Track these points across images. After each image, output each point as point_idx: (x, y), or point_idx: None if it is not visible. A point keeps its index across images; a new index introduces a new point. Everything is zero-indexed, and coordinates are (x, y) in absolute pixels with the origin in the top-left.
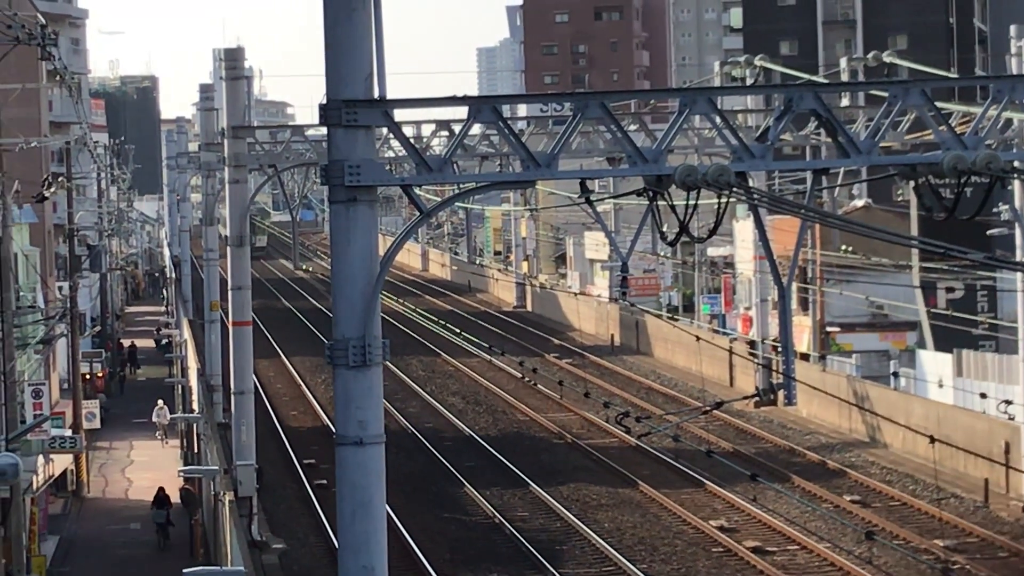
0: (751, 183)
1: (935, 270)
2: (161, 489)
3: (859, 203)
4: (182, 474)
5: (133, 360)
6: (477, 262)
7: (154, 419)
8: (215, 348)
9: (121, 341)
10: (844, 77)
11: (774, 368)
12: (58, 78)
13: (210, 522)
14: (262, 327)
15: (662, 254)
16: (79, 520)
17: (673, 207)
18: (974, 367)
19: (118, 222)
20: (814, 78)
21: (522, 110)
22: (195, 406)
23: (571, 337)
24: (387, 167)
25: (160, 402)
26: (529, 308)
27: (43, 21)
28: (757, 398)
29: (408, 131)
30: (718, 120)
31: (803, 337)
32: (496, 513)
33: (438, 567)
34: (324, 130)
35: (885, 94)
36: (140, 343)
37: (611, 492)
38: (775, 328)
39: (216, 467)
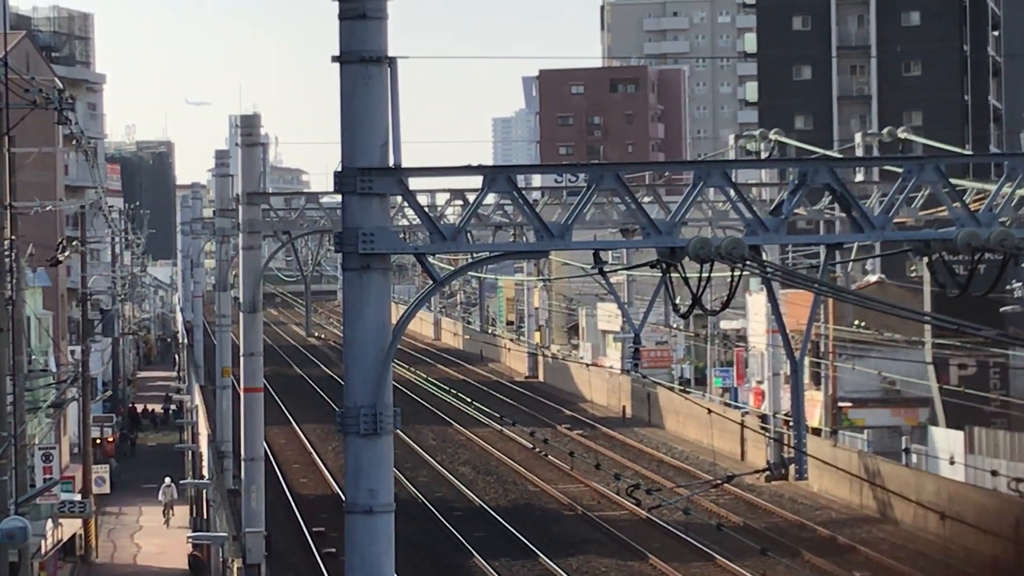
0: (765, 257)
1: (948, 346)
2: None
3: (872, 278)
4: (191, 540)
5: (137, 424)
6: (489, 331)
7: (160, 497)
8: (226, 414)
9: (133, 405)
10: (859, 152)
11: (786, 442)
12: (74, 142)
13: None
14: (273, 394)
15: (675, 326)
16: None
17: (686, 279)
18: (986, 444)
19: (131, 287)
20: (829, 153)
21: (537, 180)
22: (205, 472)
23: (583, 408)
24: (401, 235)
25: (167, 480)
26: (541, 378)
27: (60, 86)
28: (768, 472)
29: (422, 199)
30: (732, 193)
31: (815, 412)
32: None
33: None
34: (339, 197)
35: (899, 170)
36: (152, 408)
37: (621, 565)
38: (787, 402)
39: (225, 534)
